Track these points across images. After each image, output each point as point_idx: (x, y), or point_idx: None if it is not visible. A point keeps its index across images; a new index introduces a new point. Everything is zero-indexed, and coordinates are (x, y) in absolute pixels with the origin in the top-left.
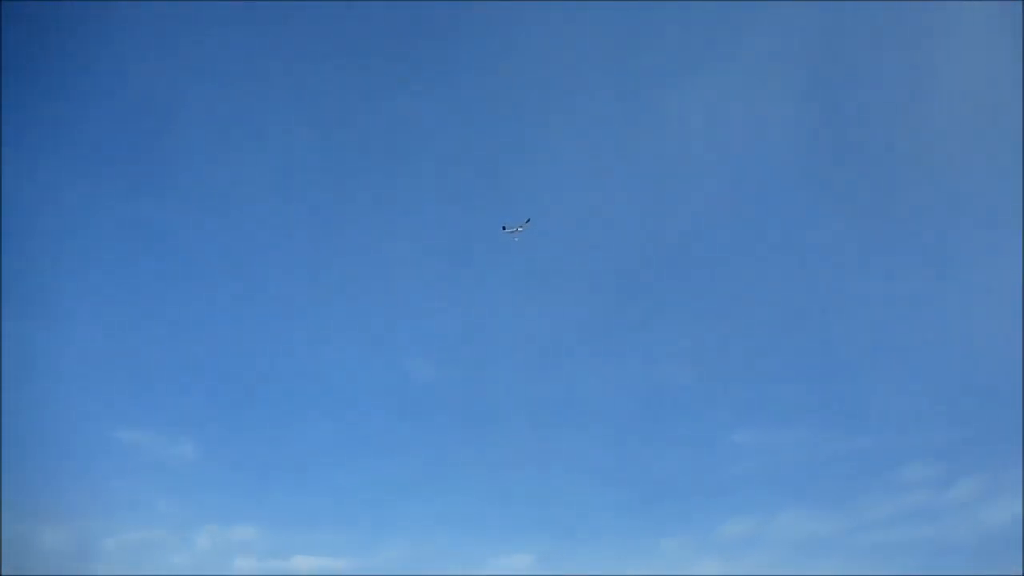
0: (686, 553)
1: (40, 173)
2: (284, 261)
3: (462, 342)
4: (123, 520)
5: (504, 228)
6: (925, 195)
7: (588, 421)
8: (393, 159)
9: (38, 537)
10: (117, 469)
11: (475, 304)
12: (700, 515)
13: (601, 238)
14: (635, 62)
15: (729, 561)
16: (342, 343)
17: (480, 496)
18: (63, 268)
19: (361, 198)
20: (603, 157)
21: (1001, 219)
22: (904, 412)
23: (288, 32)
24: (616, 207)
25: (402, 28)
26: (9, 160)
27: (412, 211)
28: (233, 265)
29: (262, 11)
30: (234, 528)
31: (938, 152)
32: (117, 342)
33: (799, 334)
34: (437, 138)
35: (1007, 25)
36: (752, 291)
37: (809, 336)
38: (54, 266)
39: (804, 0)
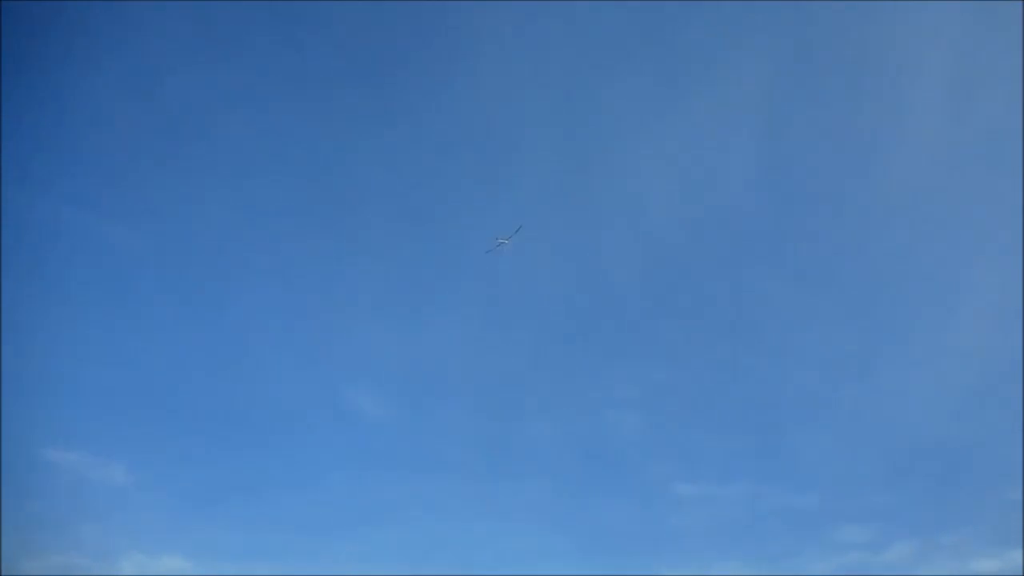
0: None
1: None
2: (229, 285)
3: (410, 379)
4: (44, 543)
5: (497, 239)
6: (873, 257)
7: (532, 467)
8: (346, 186)
9: None
10: (40, 489)
11: (425, 339)
12: (640, 566)
13: (552, 281)
14: (591, 105)
15: None
16: (288, 373)
17: (418, 540)
18: None
19: (313, 226)
20: (556, 200)
21: (952, 281)
22: (841, 473)
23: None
24: (568, 250)
25: (360, 51)
26: None
27: (364, 243)
28: (176, 288)
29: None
30: (161, 558)
31: (895, 206)
32: (48, 358)
33: (743, 390)
34: (392, 168)
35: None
36: (698, 344)
37: (752, 393)
38: None
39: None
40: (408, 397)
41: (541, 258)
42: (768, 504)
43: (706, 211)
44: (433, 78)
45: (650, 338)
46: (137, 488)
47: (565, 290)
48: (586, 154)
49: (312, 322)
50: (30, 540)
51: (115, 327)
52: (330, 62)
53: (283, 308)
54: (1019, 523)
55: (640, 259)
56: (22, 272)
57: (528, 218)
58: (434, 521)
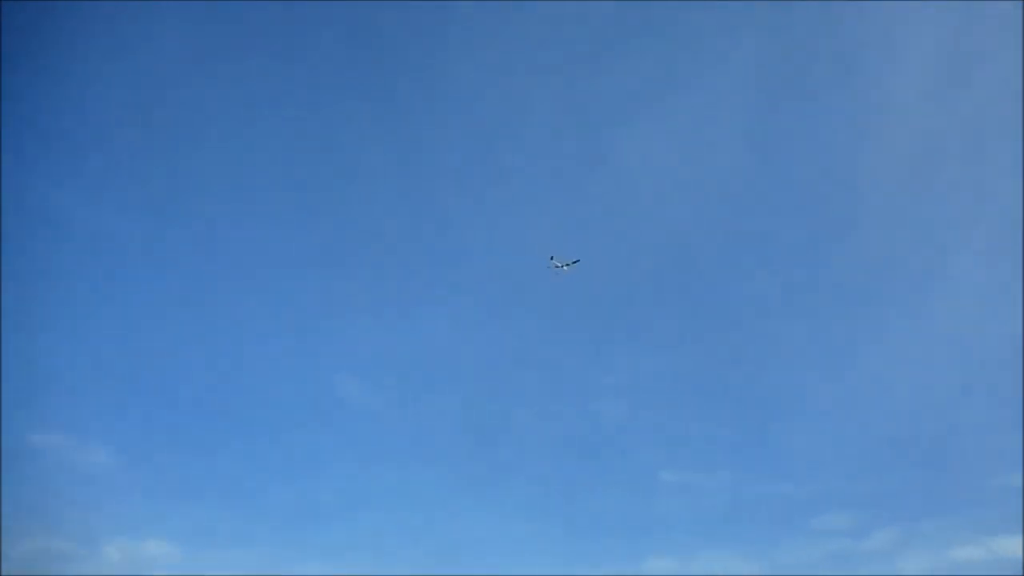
0: None
1: None
2: (219, 276)
3: (397, 364)
4: (27, 527)
5: (552, 259)
6: (857, 254)
7: (520, 456)
8: (337, 180)
9: None
10: (25, 473)
11: (415, 330)
12: (626, 551)
13: (541, 272)
14: (582, 104)
15: None
16: (277, 361)
17: (402, 527)
18: None
19: (303, 221)
20: (547, 194)
21: (930, 274)
22: (824, 463)
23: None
24: (558, 241)
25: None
26: None
27: (356, 235)
28: (167, 279)
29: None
30: (147, 542)
31: (873, 207)
32: (31, 343)
33: (729, 381)
34: (385, 163)
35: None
36: (686, 335)
37: (738, 383)
38: None
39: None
40: (397, 386)
41: (531, 249)
42: (752, 491)
43: (697, 206)
44: (426, 76)
45: (638, 328)
46: (122, 471)
47: (555, 281)
48: (577, 150)
49: (302, 312)
50: (12, 524)
51: (106, 315)
52: (328, 63)
53: (273, 298)
54: (1001, 511)
55: (631, 251)
56: (18, 261)
57: (518, 210)
58: (421, 510)
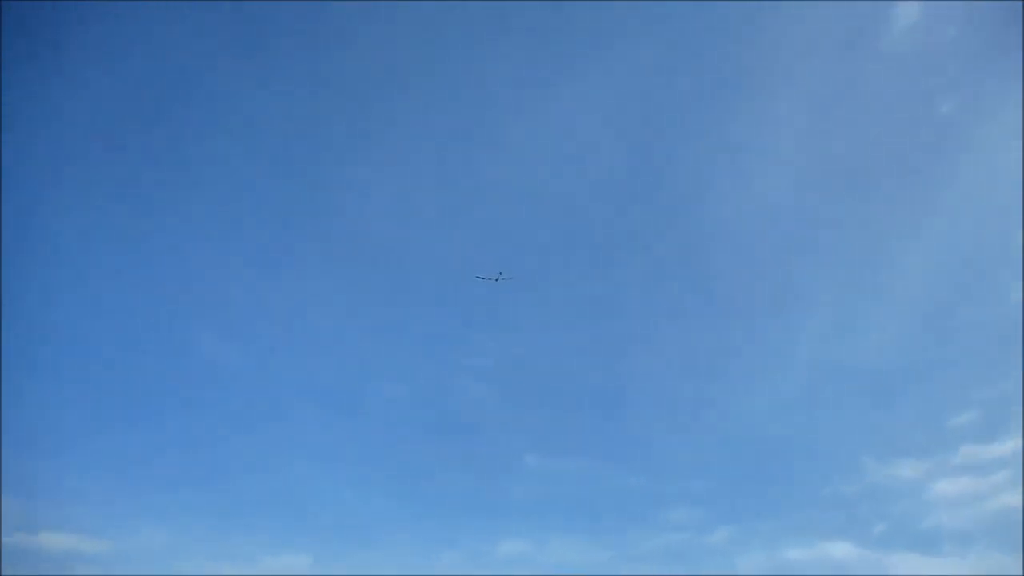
0: (464, 567)
1: None
2: None
3: (267, 327)
4: None
5: (500, 274)
6: (736, 265)
7: (383, 426)
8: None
9: None
10: None
11: (282, 289)
12: (482, 531)
13: (423, 246)
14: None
15: None
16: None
17: (253, 491)
18: None
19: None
20: (439, 175)
21: (802, 294)
22: (679, 461)
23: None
24: (445, 220)
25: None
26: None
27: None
28: None
29: None
30: None
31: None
32: None
33: (598, 373)
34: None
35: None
36: (559, 324)
37: (606, 376)
38: None
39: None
40: (264, 345)
41: (416, 224)
42: (609, 482)
43: (579, 201)
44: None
45: (514, 313)
46: None
47: (436, 256)
48: (469, 140)
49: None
50: None
51: None
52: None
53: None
54: (830, 517)
55: (513, 237)
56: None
57: (407, 184)
58: (276, 469)
